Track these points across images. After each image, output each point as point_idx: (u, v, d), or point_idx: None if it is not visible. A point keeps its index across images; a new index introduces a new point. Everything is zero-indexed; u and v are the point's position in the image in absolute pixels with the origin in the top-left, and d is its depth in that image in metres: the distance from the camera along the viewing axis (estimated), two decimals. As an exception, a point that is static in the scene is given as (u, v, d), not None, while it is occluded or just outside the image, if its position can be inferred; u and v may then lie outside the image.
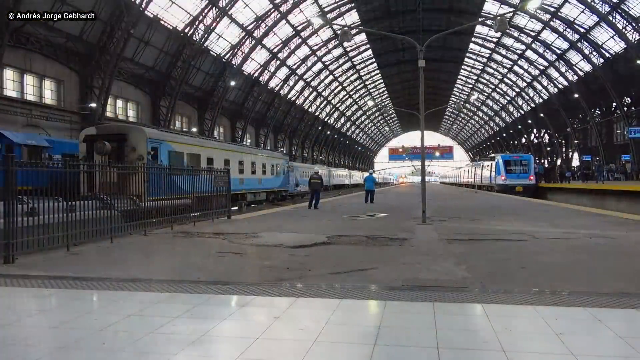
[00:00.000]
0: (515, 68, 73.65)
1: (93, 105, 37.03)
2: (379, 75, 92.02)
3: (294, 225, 14.26)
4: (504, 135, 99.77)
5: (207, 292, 6.28)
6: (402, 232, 12.22)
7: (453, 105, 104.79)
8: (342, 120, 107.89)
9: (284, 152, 64.93)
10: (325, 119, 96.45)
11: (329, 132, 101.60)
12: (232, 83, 54.11)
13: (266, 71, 62.03)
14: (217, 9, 45.90)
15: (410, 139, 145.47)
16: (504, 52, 71.12)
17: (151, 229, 13.08)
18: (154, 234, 12.60)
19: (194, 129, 51.77)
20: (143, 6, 38.24)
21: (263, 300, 5.90)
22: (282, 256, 8.80)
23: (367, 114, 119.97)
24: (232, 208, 20.75)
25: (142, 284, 6.71)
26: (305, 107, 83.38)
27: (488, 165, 49.39)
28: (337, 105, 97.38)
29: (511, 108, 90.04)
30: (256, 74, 60.79)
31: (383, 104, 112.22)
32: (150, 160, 19.19)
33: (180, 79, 46.52)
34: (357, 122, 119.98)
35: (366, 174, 31.69)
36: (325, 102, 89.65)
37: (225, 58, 52.87)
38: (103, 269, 7.91)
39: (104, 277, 7.21)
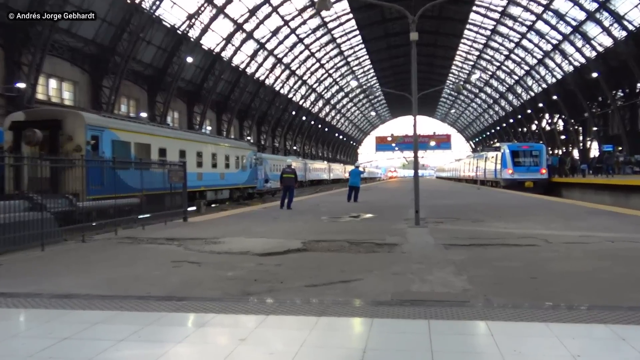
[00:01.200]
0: (524, 42, 74.29)
1: (21, 85, 36.46)
2: (364, 50, 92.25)
3: (263, 228, 14.42)
4: (511, 121, 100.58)
5: (158, 309, 6.27)
6: (391, 236, 12.41)
7: (451, 86, 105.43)
8: (320, 103, 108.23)
9: (251, 141, 64.93)
10: (300, 103, 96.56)
11: (304, 118, 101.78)
12: (189, 59, 53.76)
13: (230, 45, 61.69)
14: (170, -30, 45.77)
15: (401, 125, 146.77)
16: (510, 23, 71.66)
17: (91, 234, 13.06)
18: (94, 240, 12.61)
19: (144, 114, 51.33)
20: (81, -33, 38.15)
21: (226, 318, 5.89)
22: (248, 266, 8.87)
23: (350, 96, 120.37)
24: (189, 209, 20.73)
25: (79, 301, 6.66)
26: (277, 89, 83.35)
27: (492, 157, 49.82)
28: (314, 86, 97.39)
29: (519, 89, 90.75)
30: (218, 49, 60.43)
31: (369, 85, 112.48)
32: (90, 151, 18.98)
33: (126, 55, 45.99)
34: (337, 106, 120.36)
35: (350, 168, 32.01)
36: (300, 82, 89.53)
37: (181, 30, 52.45)
38: (32, 282, 7.84)
39: (34, 293, 7.14)
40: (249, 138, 75.45)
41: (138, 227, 14.82)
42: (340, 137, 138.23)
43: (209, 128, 66.37)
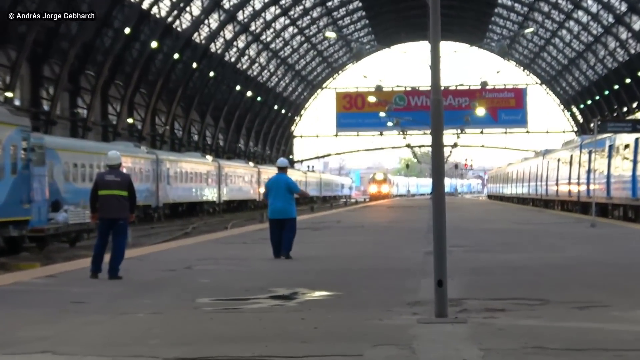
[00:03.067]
0: None
1: None
2: None
3: (46, 330, 13.91)
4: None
5: None
6: (376, 346, 12.09)
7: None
8: (214, 20, 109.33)
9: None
10: (169, 19, 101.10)
11: (183, 59, 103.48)
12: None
13: None
14: None
15: (400, 69, 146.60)
16: None
17: None
18: None
19: None
20: None
21: None
22: None
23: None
24: None
25: None
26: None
27: (626, 148, 50.58)
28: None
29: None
30: None
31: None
32: None
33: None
34: (242, 20, 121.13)
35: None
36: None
37: None
38: None
39: None
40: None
41: None
42: (249, 94, 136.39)
43: None
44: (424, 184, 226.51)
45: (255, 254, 27.40)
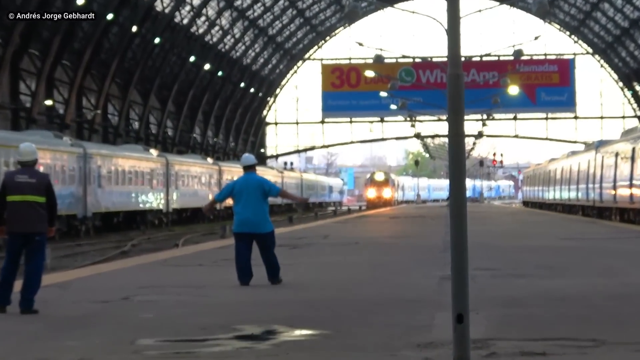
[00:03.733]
0: None
1: None
2: None
3: None
4: None
5: None
6: None
7: None
8: None
9: None
10: None
11: (120, 20, 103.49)
12: None
13: None
14: None
15: (409, 34, 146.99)
16: None
17: None
18: None
19: None
20: None
21: None
22: None
23: None
24: None
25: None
26: None
27: None
28: None
29: None
30: None
31: None
32: None
33: None
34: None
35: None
36: None
37: None
38: None
39: None
40: None
41: None
42: (207, 67, 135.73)
43: None
44: (438, 187, 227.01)
45: (215, 280, 27.41)
